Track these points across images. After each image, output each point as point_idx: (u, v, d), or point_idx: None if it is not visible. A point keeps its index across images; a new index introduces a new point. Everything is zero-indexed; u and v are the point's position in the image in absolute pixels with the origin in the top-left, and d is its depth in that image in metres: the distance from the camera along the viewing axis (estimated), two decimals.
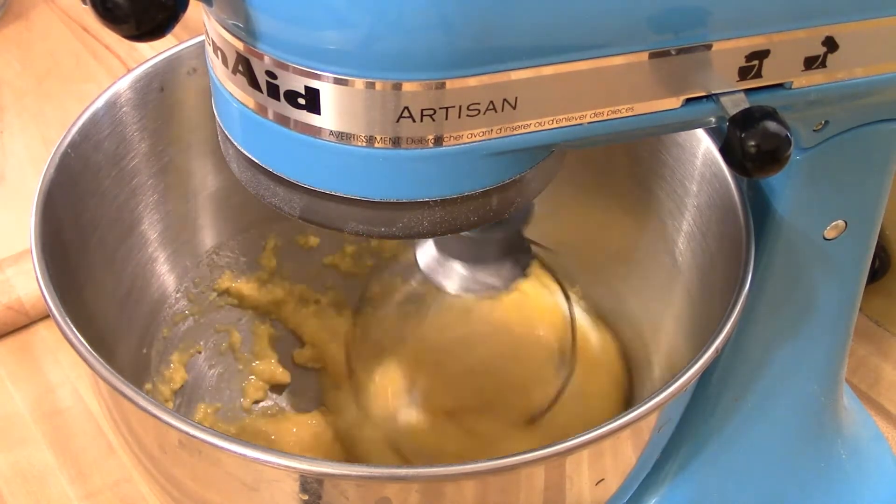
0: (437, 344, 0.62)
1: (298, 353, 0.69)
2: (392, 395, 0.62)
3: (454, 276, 0.52)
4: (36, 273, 0.46)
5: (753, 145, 0.36)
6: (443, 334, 0.62)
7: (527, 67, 0.35)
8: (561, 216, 0.66)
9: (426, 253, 0.52)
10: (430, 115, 0.35)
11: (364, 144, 0.36)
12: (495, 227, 0.50)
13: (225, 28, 0.36)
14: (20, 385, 0.70)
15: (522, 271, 0.53)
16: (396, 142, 0.36)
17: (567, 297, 0.61)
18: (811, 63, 0.39)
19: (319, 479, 0.41)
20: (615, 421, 0.42)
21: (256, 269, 0.68)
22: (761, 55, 0.38)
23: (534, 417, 0.61)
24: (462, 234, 0.49)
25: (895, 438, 0.69)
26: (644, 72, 0.37)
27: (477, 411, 0.61)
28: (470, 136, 0.36)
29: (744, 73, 0.38)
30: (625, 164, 0.60)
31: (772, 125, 0.37)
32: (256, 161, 0.38)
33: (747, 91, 0.39)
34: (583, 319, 0.67)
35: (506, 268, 0.52)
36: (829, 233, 0.50)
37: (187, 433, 0.40)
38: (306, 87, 0.35)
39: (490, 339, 0.63)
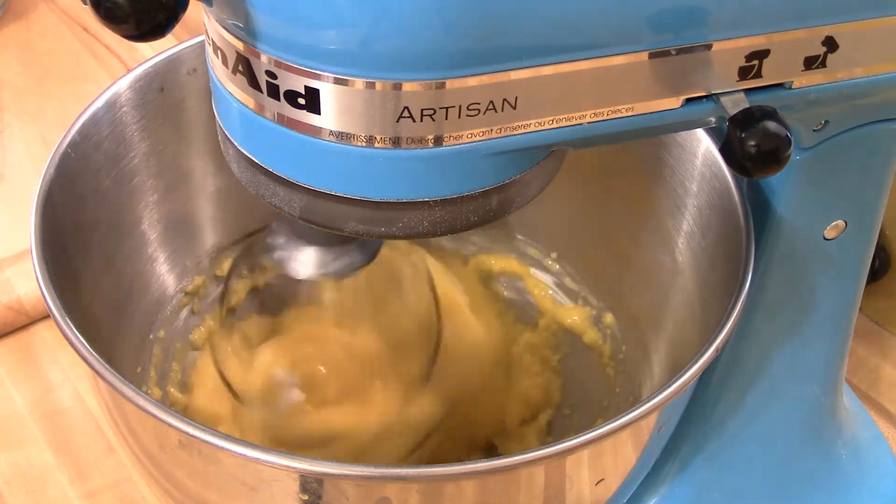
0: (308, 331, 0.62)
1: None
2: (269, 390, 0.62)
3: (305, 261, 0.50)
4: (36, 273, 0.46)
5: (753, 145, 0.36)
6: (311, 320, 0.62)
7: (527, 67, 0.35)
8: (561, 217, 0.66)
9: (275, 241, 0.51)
10: (430, 115, 0.35)
11: (364, 144, 0.36)
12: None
13: (225, 28, 0.36)
14: (20, 385, 0.70)
15: (373, 250, 0.52)
16: (396, 142, 0.36)
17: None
18: (811, 63, 0.39)
19: (319, 479, 0.41)
20: (615, 421, 0.42)
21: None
22: (761, 55, 0.38)
23: (418, 381, 0.61)
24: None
25: (895, 438, 0.69)
26: (644, 72, 0.37)
27: (359, 390, 0.61)
28: (470, 136, 0.36)
29: (744, 73, 0.38)
30: (625, 164, 0.60)
31: (772, 125, 0.37)
32: (256, 161, 0.39)
33: (747, 91, 0.39)
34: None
35: (355, 247, 0.51)
36: (829, 233, 0.50)
37: (187, 433, 0.40)
38: (306, 87, 0.35)
39: (358, 315, 0.63)
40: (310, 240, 0.50)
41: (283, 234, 0.51)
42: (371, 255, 0.51)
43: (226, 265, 0.66)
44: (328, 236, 0.50)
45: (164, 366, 0.63)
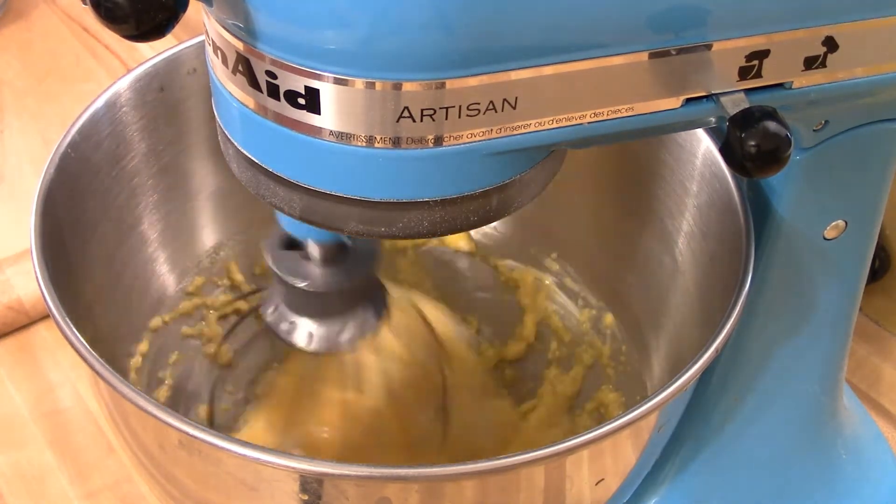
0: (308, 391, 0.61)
1: None
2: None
3: (303, 333, 0.50)
4: (36, 273, 0.46)
5: (753, 145, 0.36)
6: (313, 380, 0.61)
7: (527, 67, 0.35)
8: (561, 217, 0.66)
9: (274, 309, 0.50)
10: (430, 115, 0.35)
11: (364, 144, 0.36)
12: (339, 281, 0.49)
13: (225, 28, 0.36)
14: (20, 385, 0.70)
15: (376, 320, 0.51)
16: (396, 142, 0.36)
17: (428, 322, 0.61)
18: (811, 63, 0.39)
19: (319, 479, 0.41)
20: (615, 421, 0.42)
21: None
22: (761, 55, 0.38)
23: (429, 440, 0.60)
24: (305, 287, 0.48)
25: (895, 438, 0.69)
26: (644, 72, 0.37)
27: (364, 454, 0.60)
28: (470, 136, 0.36)
29: (744, 73, 0.38)
30: (625, 164, 0.60)
31: (772, 125, 0.37)
32: (256, 161, 0.39)
33: (747, 91, 0.39)
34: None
35: (358, 319, 0.50)
36: (829, 233, 0.50)
37: (187, 433, 0.40)
38: (306, 87, 0.35)
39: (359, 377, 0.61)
40: (307, 312, 0.49)
41: (283, 301, 0.49)
42: (366, 331, 0.50)
43: (227, 266, 0.66)
44: (325, 309, 0.49)
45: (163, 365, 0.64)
